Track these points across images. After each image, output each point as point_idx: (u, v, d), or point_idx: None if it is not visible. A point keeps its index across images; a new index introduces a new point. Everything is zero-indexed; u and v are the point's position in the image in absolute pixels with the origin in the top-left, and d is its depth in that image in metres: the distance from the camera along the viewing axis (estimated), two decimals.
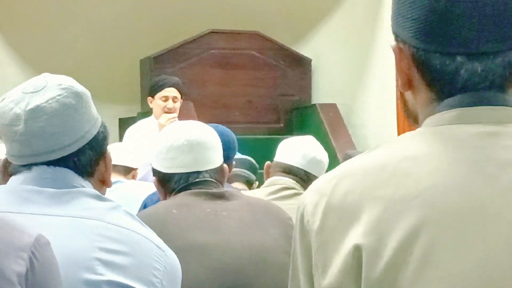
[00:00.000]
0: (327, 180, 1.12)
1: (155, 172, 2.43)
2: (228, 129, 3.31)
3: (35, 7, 7.15)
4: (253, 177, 4.37)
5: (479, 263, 1.04)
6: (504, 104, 1.13)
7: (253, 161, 4.48)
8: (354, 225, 1.07)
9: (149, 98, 5.28)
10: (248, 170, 4.37)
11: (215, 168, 2.39)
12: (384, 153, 1.13)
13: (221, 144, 2.45)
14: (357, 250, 1.06)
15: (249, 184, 4.32)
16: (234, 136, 3.26)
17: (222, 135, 2.92)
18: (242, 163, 4.35)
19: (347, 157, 4.53)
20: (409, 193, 1.06)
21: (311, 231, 1.11)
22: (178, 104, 5.23)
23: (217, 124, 3.38)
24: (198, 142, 2.38)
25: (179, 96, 5.24)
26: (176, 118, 5.15)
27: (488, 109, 1.12)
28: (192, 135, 2.39)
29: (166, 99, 5.19)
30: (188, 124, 2.49)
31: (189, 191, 2.33)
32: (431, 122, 1.14)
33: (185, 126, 2.46)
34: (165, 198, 2.42)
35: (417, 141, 1.13)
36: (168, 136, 2.42)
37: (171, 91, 5.21)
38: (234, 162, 3.32)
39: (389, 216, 1.06)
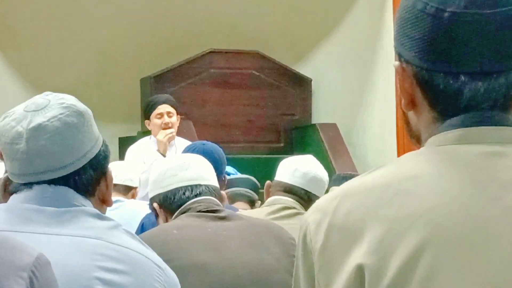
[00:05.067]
0: (330, 199, 1.12)
1: (155, 198, 2.43)
2: (216, 145, 3.38)
3: (36, 27, 7.17)
4: (255, 196, 4.39)
5: (482, 283, 1.03)
6: (507, 124, 1.13)
7: (255, 179, 4.49)
8: (357, 244, 1.06)
9: (146, 121, 5.35)
10: (250, 189, 4.38)
11: (214, 185, 2.41)
12: (387, 172, 1.12)
13: (214, 172, 2.49)
14: (359, 270, 1.05)
15: (252, 203, 4.33)
16: (222, 152, 3.36)
17: (212, 153, 2.99)
18: (245, 182, 4.36)
19: (340, 177, 4.52)
20: (412, 213, 1.06)
21: (313, 250, 1.10)
22: (174, 119, 5.27)
23: (204, 142, 3.43)
24: (195, 162, 2.46)
25: (173, 111, 5.29)
26: (174, 133, 5.19)
27: (491, 129, 1.12)
28: (189, 157, 2.50)
29: (161, 115, 5.24)
30: (179, 154, 2.59)
31: (190, 213, 2.34)
32: (434, 141, 1.14)
33: (176, 155, 2.56)
34: (166, 222, 2.43)
35: (420, 160, 1.12)
36: (164, 162, 2.51)
37: (164, 107, 5.27)
38: (226, 176, 3.36)
39: (392, 236, 1.05)
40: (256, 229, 2.35)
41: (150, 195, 2.47)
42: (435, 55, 1.11)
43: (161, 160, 2.55)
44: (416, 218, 1.06)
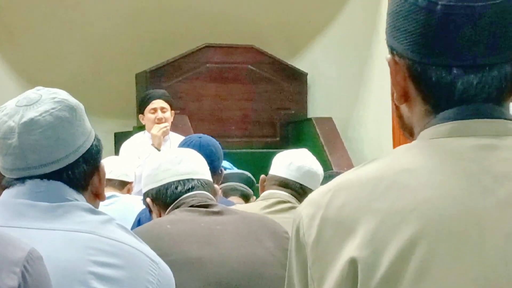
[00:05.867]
0: (323, 193, 1.12)
1: (149, 193, 2.43)
2: (213, 139, 3.37)
3: (31, 22, 7.16)
4: (250, 191, 4.38)
5: (475, 276, 1.03)
6: (500, 116, 1.13)
7: (250, 175, 4.49)
8: (350, 238, 1.06)
9: (140, 115, 5.39)
10: (245, 184, 4.38)
11: (207, 179, 2.41)
12: (380, 165, 1.12)
13: (207, 167, 2.48)
14: (353, 263, 1.05)
15: (246, 198, 4.33)
16: (219, 145, 3.33)
17: (208, 146, 2.98)
18: (240, 178, 4.36)
19: (328, 177, 4.52)
20: (405, 206, 1.06)
21: (307, 244, 1.10)
22: (168, 114, 5.30)
23: (201, 135, 3.42)
24: (189, 156, 2.46)
25: (167, 106, 5.32)
26: (168, 128, 5.23)
27: (484, 122, 1.12)
28: (182, 151, 2.51)
29: (155, 111, 5.28)
30: (172, 149, 2.59)
31: (183, 208, 2.34)
32: (426, 134, 1.14)
33: (169, 150, 2.56)
34: (160, 217, 2.42)
35: (413, 153, 1.12)
36: (155, 159, 2.49)
37: (159, 103, 5.31)
38: (222, 170, 3.35)
39: (385, 229, 1.05)
40: (250, 223, 2.35)
41: (143, 190, 2.47)
42: (427, 48, 1.11)
43: (154, 155, 2.55)
44: (409, 211, 1.05)
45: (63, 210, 1.59)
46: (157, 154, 2.57)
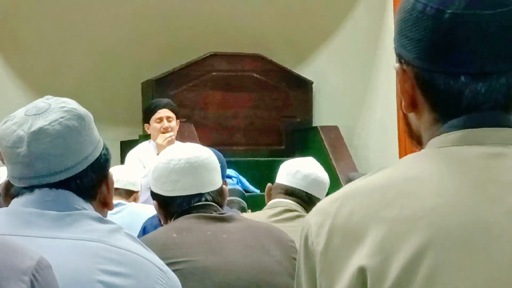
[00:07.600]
0: (332, 201, 1.12)
1: (156, 196, 2.41)
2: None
3: (37, 30, 7.18)
4: (245, 204, 4.45)
5: (484, 284, 1.03)
6: (508, 125, 1.13)
7: (241, 189, 4.56)
8: (359, 246, 1.06)
9: (146, 125, 5.40)
10: (240, 198, 4.46)
11: (216, 190, 2.39)
12: (389, 174, 1.12)
13: (219, 165, 2.45)
14: (361, 271, 1.05)
15: (243, 211, 4.39)
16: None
17: None
18: (234, 192, 4.42)
19: (349, 180, 4.56)
20: (413, 214, 1.06)
21: (315, 252, 1.10)
22: (173, 123, 5.31)
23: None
24: (199, 164, 2.38)
25: (173, 115, 5.33)
26: (173, 137, 5.23)
27: (492, 130, 1.12)
28: (193, 157, 2.39)
29: (160, 120, 5.29)
30: (187, 146, 2.49)
31: (189, 215, 2.32)
32: (435, 143, 1.14)
33: (184, 148, 2.46)
34: (166, 222, 2.41)
35: (421, 162, 1.12)
36: (168, 159, 2.40)
37: (164, 112, 5.31)
38: (226, 181, 3.35)
39: (394, 237, 1.05)
40: (256, 231, 2.34)
41: (152, 188, 2.43)
42: (435, 56, 1.11)
43: (168, 153, 2.42)
44: (418, 219, 1.06)
45: (72, 219, 1.59)
46: (170, 150, 2.44)
